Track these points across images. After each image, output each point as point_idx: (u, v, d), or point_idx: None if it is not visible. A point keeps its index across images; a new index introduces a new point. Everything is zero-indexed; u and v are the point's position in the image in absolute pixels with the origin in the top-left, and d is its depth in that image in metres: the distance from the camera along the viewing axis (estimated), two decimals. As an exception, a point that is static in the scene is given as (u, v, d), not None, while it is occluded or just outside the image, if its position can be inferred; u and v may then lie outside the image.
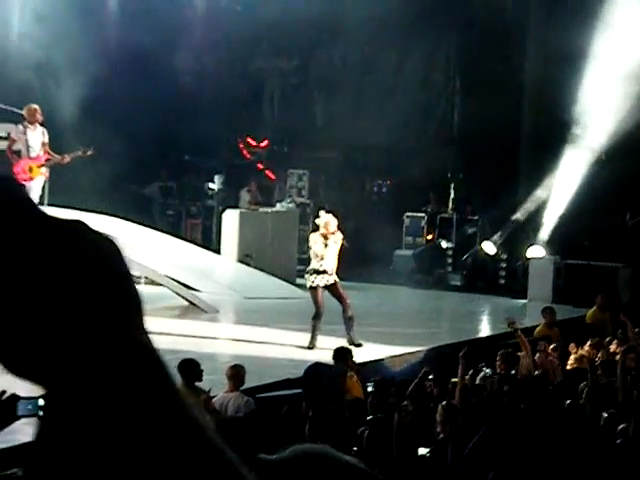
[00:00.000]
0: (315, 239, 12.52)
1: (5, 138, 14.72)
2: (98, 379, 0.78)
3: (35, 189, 14.38)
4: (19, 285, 0.78)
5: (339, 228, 12.73)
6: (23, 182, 14.05)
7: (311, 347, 12.33)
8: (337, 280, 12.49)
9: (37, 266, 0.78)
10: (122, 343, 0.79)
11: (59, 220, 0.81)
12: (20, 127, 14.40)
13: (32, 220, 0.80)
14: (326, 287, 12.42)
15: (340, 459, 1.22)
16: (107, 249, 0.82)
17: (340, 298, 12.45)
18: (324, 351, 11.54)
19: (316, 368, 9.15)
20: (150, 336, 0.83)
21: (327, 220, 12.56)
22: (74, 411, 0.78)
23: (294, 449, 1.23)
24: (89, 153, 14.99)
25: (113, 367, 0.78)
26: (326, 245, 12.40)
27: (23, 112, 14.44)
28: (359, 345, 12.03)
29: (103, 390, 0.78)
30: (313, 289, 12.44)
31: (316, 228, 12.81)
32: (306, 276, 12.67)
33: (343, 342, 10.65)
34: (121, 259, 0.83)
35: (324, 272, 12.36)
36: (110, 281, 0.81)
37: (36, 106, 14.48)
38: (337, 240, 12.51)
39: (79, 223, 0.82)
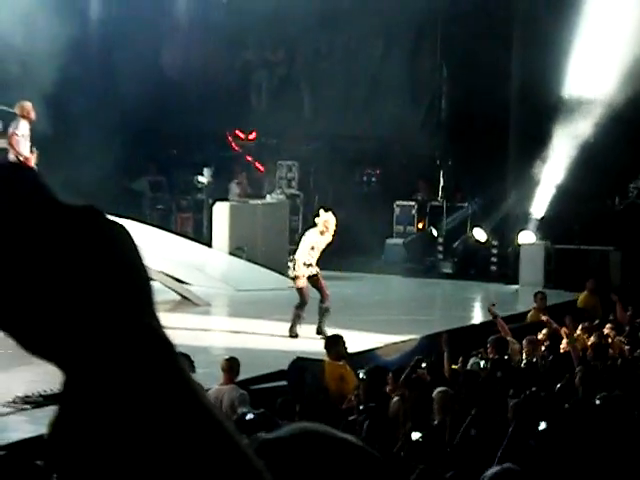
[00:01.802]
0: (314, 234, 12.60)
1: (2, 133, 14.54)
2: (110, 362, 0.80)
3: None
4: (34, 269, 0.79)
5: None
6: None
7: (294, 335, 12.49)
8: (319, 271, 12.64)
9: (51, 251, 0.80)
10: (133, 327, 0.81)
11: (72, 205, 0.83)
12: (21, 124, 14.11)
13: (46, 205, 0.82)
14: (308, 278, 12.57)
15: (337, 436, 1.24)
16: (119, 234, 0.84)
17: (321, 289, 12.63)
18: (315, 341, 11.57)
19: (298, 364, 9.22)
20: (159, 319, 0.84)
21: (326, 219, 12.70)
22: (89, 393, 0.79)
23: (291, 427, 1.25)
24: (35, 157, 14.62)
25: (125, 350, 0.80)
26: (323, 242, 12.60)
27: (17, 109, 14.22)
28: (325, 337, 12.15)
29: (115, 373, 0.79)
30: (298, 279, 12.60)
31: (314, 225, 12.88)
32: (291, 265, 12.79)
33: (333, 332, 10.67)
34: (133, 244, 0.84)
35: (310, 265, 12.49)
36: (122, 266, 0.82)
37: (29, 103, 14.30)
38: (329, 239, 12.64)
39: (92, 208, 0.84)
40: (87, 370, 0.79)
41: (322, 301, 12.57)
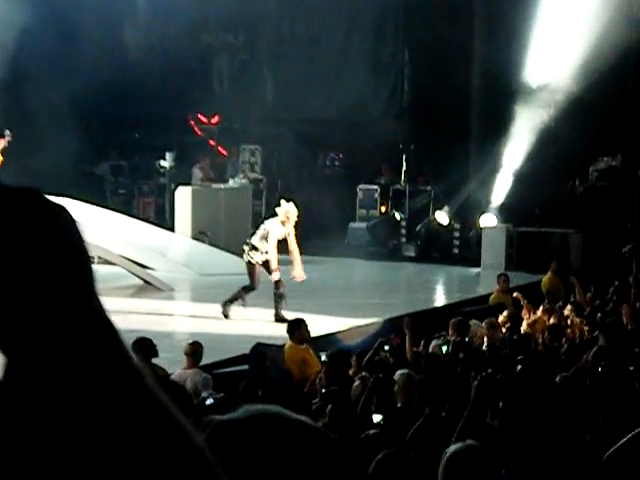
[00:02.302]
0: (273, 227, 12.63)
1: None
2: (53, 344, 0.80)
3: None
4: None
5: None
6: None
7: (226, 315, 12.62)
8: (272, 258, 12.68)
9: None
10: (76, 309, 0.81)
11: (11, 187, 0.83)
12: None
13: None
14: (262, 264, 12.63)
15: (291, 417, 1.25)
16: (60, 216, 0.84)
17: (253, 282, 12.64)
18: (278, 325, 11.58)
19: (258, 349, 9.25)
20: (102, 302, 0.84)
21: (287, 209, 12.71)
22: (32, 376, 0.80)
23: (246, 409, 1.26)
24: (8, 139, 14.45)
25: (67, 332, 0.80)
26: (281, 233, 12.61)
27: None
28: (285, 321, 12.20)
29: (58, 355, 0.80)
30: (251, 264, 12.66)
31: (274, 214, 12.87)
32: (245, 249, 12.79)
33: (296, 315, 10.69)
34: (74, 225, 0.85)
35: (265, 252, 12.54)
36: (63, 247, 0.82)
37: None
38: (291, 232, 12.71)
39: (31, 190, 0.84)
40: (30, 353, 0.79)
41: (276, 288, 12.60)
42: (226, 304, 12.67)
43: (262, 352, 9.20)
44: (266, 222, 12.89)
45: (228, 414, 1.24)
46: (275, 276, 12.60)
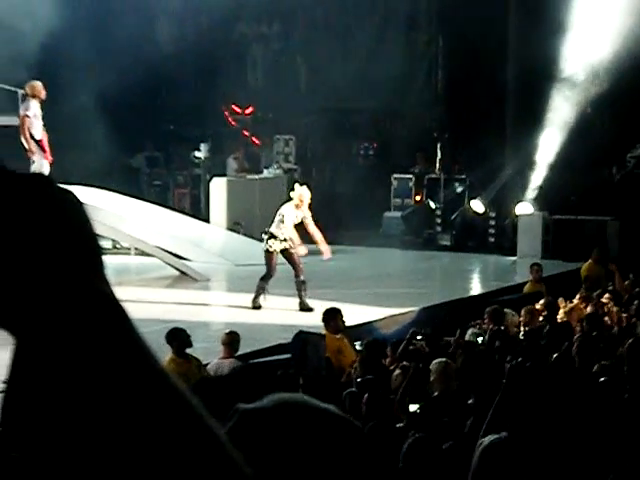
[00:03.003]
0: (288, 210, 12.72)
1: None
2: (62, 327, 0.80)
3: (47, 169, 13.96)
4: None
5: (310, 207, 12.97)
6: (47, 161, 13.87)
7: (257, 307, 12.65)
8: (292, 245, 12.69)
9: (1, 218, 0.80)
10: (85, 292, 0.81)
11: (22, 173, 0.84)
12: (31, 104, 13.92)
13: None
14: (282, 251, 12.72)
15: (318, 406, 1.25)
16: (69, 201, 0.84)
17: (294, 263, 12.72)
18: (313, 315, 11.60)
19: (301, 337, 9.24)
20: (111, 285, 0.85)
21: (301, 192, 12.85)
22: (41, 358, 0.80)
23: (272, 398, 1.26)
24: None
25: (76, 315, 0.80)
26: (296, 217, 12.71)
27: (27, 88, 14.03)
28: (310, 309, 12.25)
29: (67, 337, 0.80)
30: (269, 253, 12.76)
31: (289, 199, 12.97)
32: (264, 237, 12.92)
33: (331, 304, 10.69)
34: (82, 210, 0.85)
35: (284, 240, 12.62)
36: (73, 232, 0.83)
37: (39, 82, 14.10)
38: (307, 215, 12.77)
39: (42, 176, 0.85)
40: (39, 335, 0.79)
41: (297, 275, 12.66)
42: (255, 301, 12.76)
43: (304, 340, 9.18)
44: (281, 208, 12.96)
45: (254, 403, 1.23)
46: (301, 250, 12.66)
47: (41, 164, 13.81)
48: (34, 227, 0.81)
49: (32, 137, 13.90)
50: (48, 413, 0.79)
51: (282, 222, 12.68)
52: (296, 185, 13.27)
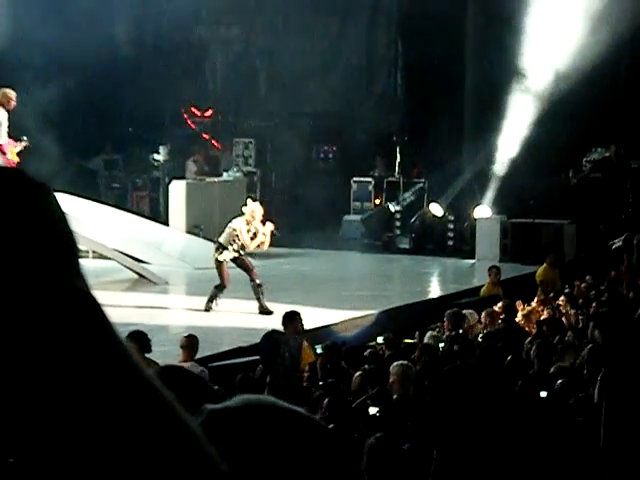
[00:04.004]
0: (240, 225, 12.87)
1: None
2: (36, 322, 0.79)
3: None
4: None
5: (266, 218, 13.16)
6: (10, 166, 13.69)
7: (207, 310, 12.75)
8: (242, 253, 12.93)
9: None
10: (59, 287, 0.80)
11: None
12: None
13: None
14: (233, 260, 12.89)
15: (285, 407, 1.25)
16: (42, 194, 0.83)
17: (246, 269, 12.88)
18: (273, 318, 11.59)
19: (273, 336, 9.20)
20: (86, 280, 0.83)
21: (253, 208, 13.09)
22: (14, 352, 0.79)
23: (239, 399, 1.26)
24: (25, 144, 14.54)
25: (51, 310, 0.79)
26: (249, 231, 12.89)
27: None
28: (269, 312, 12.31)
29: (41, 332, 0.79)
30: (219, 262, 12.88)
31: (242, 213, 13.07)
32: (213, 248, 13.09)
33: (290, 308, 10.68)
34: (57, 204, 0.83)
35: (234, 250, 12.82)
36: (47, 226, 0.81)
37: (9, 90, 14.02)
38: (264, 231, 12.95)
39: (14, 169, 0.84)
40: (11, 331, 0.78)
41: (252, 279, 12.77)
42: (206, 304, 12.85)
43: (277, 339, 9.13)
44: (233, 221, 13.08)
45: (222, 403, 1.23)
46: (252, 245, 12.77)
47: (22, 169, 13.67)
48: (5, 219, 0.80)
49: None
50: (22, 407, 0.78)
51: (232, 238, 12.82)
52: (249, 200, 13.55)
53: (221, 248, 12.87)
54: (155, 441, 0.80)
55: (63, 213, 0.84)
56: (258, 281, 12.77)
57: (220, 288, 12.82)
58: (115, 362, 0.80)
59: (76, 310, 0.81)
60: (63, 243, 0.82)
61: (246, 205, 13.28)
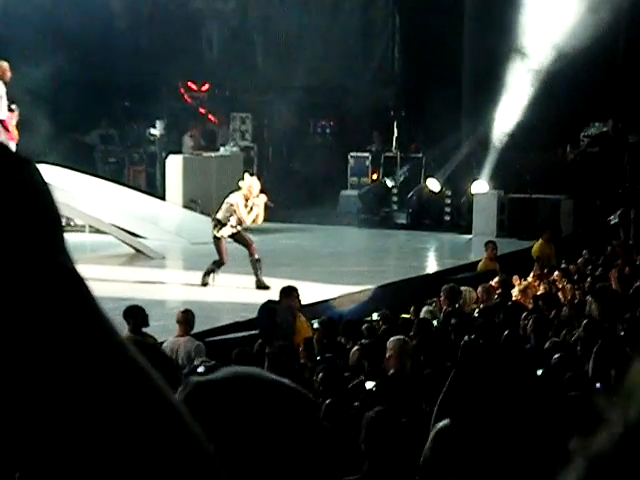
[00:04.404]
0: (237, 200, 12.76)
1: None
2: (22, 300, 0.78)
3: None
4: None
5: (261, 191, 13.05)
6: (13, 141, 13.82)
7: (204, 284, 12.70)
8: (240, 229, 12.90)
9: None
10: (45, 264, 0.79)
11: None
12: None
13: None
14: (231, 236, 12.84)
15: (272, 379, 1.25)
16: (26, 169, 0.82)
17: (245, 244, 12.85)
18: (270, 293, 11.60)
19: (269, 306, 9.20)
20: (71, 257, 0.82)
21: (250, 183, 13.00)
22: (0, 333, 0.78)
23: (225, 370, 1.25)
24: (16, 112, 14.52)
25: (37, 288, 0.78)
26: (246, 206, 12.81)
27: None
28: (266, 287, 12.32)
29: (27, 311, 0.78)
30: (217, 239, 12.83)
31: (238, 188, 13.03)
32: (211, 225, 12.96)
33: (288, 283, 10.69)
34: (42, 180, 0.82)
35: (232, 226, 12.75)
36: (29, 201, 0.80)
37: (5, 63, 14.03)
38: (258, 203, 12.88)
39: None
40: None
41: (251, 254, 12.76)
42: (203, 278, 12.82)
43: (272, 308, 9.14)
44: (230, 196, 13.03)
45: (207, 375, 1.23)
46: (249, 219, 12.74)
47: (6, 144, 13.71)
48: None
49: None
50: (8, 388, 0.78)
51: (230, 213, 12.75)
52: (246, 175, 13.43)
53: (219, 224, 12.84)
54: (140, 421, 0.79)
55: (48, 188, 0.82)
56: (257, 256, 12.77)
57: (218, 264, 12.80)
58: (99, 339, 0.80)
59: (60, 286, 0.80)
60: (47, 218, 0.81)
61: (243, 180, 13.22)
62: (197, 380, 1.22)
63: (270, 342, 8.19)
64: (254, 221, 13.05)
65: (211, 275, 12.81)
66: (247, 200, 12.88)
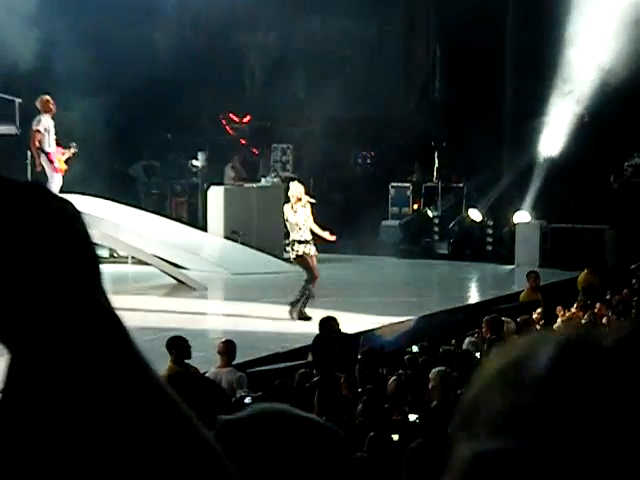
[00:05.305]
0: (287, 211, 12.69)
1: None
2: (59, 338, 0.79)
3: (59, 182, 14.41)
4: None
5: (307, 193, 12.92)
6: (59, 173, 14.24)
7: (306, 318, 12.33)
8: (316, 253, 12.68)
9: None
10: (82, 303, 0.80)
11: (16, 182, 0.82)
12: (42, 119, 14.26)
13: None
14: (302, 255, 12.64)
15: (300, 415, 1.24)
16: (66, 211, 0.83)
17: (311, 272, 12.62)
18: (310, 324, 11.58)
19: (327, 335, 9.10)
20: (108, 296, 0.83)
21: (294, 189, 12.84)
22: (36, 369, 0.78)
23: (254, 407, 1.25)
24: (73, 151, 14.95)
25: (73, 327, 0.79)
26: (295, 211, 12.63)
27: (37, 103, 14.39)
28: (308, 318, 12.17)
29: (64, 349, 0.78)
30: (300, 257, 12.62)
31: (288, 200, 12.96)
32: (288, 248, 12.83)
33: (328, 313, 10.65)
34: (80, 220, 0.83)
35: (306, 242, 12.55)
36: (68, 241, 0.81)
37: (49, 96, 14.45)
38: (305, 204, 12.69)
39: (38, 185, 0.83)
40: (34, 347, 0.78)
41: (308, 281, 12.57)
42: (293, 305, 12.51)
43: (331, 338, 8.99)
44: (284, 214, 12.92)
45: (235, 413, 1.24)
46: (300, 221, 12.52)
47: (51, 176, 14.17)
48: (29, 237, 0.80)
49: (43, 151, 14.19)
50: (44, 425, 0.78)
51: (295, 225, 12.58)
52: (291, 184, 13.22)
53: (291, 243, 12.71)
54: (174, 456, 0.79)
55: (87, 230, 0.84)
56: (312, 288, 12.61)
57: (310, 281, 12.49)
58: (134, 377, 0.80)
59: (97, 325, 0.80)
60: (85, 259, 0.82)
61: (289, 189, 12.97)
62: (226, 419, 1.22)
63: (324, 371, 8.10)
64: (311, 230, 12.70)
65: (308, 298, 12.45)
66: (293, 207, 12.63)
